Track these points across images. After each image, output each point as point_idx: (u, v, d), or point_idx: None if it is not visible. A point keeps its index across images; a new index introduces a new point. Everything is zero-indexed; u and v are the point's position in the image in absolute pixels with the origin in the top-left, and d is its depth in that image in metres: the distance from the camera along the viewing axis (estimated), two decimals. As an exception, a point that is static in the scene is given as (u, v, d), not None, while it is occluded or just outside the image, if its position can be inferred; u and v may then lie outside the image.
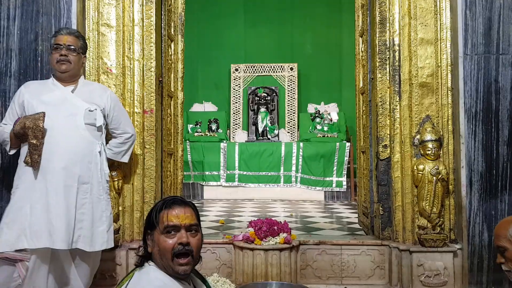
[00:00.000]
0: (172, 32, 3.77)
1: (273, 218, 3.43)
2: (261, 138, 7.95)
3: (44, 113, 2.55)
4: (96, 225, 2.65)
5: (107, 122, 2.84)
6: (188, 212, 1.68)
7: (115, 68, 3.21)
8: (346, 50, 8.11)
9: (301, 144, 7.25)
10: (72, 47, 2.74)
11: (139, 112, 3.24)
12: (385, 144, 3.29)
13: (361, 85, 3.98)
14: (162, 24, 3.50)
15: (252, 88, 8.32)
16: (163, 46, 3.50)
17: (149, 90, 3.27)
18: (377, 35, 3.31)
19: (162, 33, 3.50)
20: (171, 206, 1.68)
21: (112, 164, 3.02)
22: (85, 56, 2.90)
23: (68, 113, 2.65)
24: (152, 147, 3.27)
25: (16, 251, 2.51)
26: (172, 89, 3.78)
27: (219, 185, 7.28)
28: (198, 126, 7.97)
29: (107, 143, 2.89)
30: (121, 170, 3.13)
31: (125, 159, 3.00)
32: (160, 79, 3.42)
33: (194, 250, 1.66)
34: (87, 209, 2.62)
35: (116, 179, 3.11)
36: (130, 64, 3.25)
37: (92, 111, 2.70)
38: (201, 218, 1.93)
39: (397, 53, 3.26)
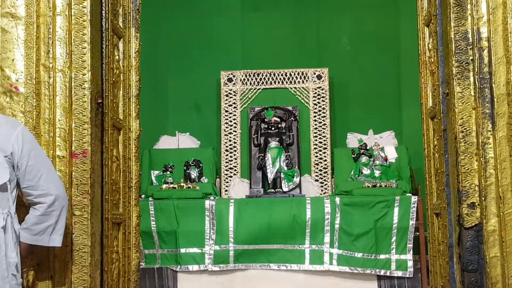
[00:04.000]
0: (120, 24, 3.82)
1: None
2: (272, 191, 7.94)
3: None
4: None
5: (17, 178, 2.86)
6: None
7: (23, 85, 3.22)
8: (407, 44, 8.16)
9: (338, 199, 7.22)
10: None
11: (63, 156, 3.24)
12: (472, 202, 3.28)
13: (429, 104, 4.00)
14: (103, 12, 3.56)
15: (256, 109, 8.35)
16: (104, 46, 3.54)
17: (81, 120, 3.28)
18: (452, 24, 3.35)
19: (103, 26, 3.55)
20: None
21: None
22: None
23: None
24: (85, 213, 3.25)
25: None
26: (121, 116, 3.81)
27: (204, 270, 7.20)
28: (168, 173, 7.97)
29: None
30: (34, 254, 3.09)
31: (56, 241, 2.97)
32: (100, 101, 3.44)
33: None
34: None
35: (24, 269, 3.04)
36: (49, 77, 3.27)
37: None
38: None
39: (485, 52, 3.28)
